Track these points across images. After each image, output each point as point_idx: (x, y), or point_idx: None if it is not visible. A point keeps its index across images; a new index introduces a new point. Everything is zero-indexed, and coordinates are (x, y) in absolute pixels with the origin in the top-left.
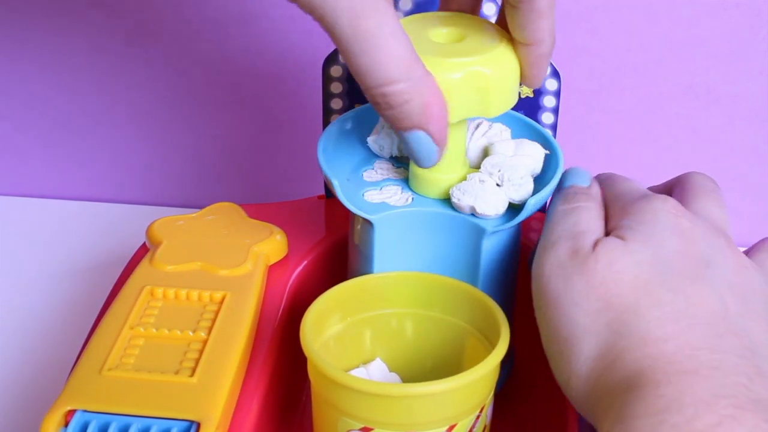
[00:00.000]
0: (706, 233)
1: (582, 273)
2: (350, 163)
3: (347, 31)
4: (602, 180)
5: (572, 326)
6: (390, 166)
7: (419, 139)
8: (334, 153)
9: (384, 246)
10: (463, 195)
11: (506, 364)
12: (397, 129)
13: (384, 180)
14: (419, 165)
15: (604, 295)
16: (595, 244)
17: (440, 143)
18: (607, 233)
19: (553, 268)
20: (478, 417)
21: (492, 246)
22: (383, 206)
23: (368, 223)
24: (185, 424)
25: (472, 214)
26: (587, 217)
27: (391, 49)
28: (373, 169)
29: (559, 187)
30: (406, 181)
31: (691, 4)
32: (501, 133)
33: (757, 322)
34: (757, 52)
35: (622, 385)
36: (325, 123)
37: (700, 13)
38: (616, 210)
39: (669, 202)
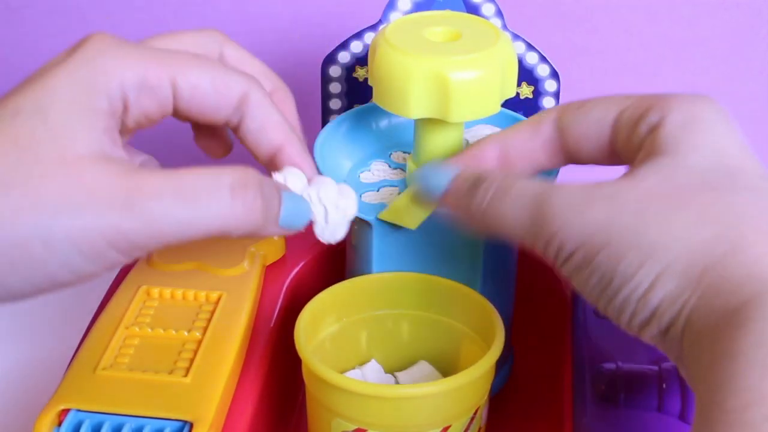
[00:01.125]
0: None
1: (628, 191)
2: (347, 164)
3: None
4: (575, 104)
5: (639, 239)
6: (386, 167)
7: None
8: (331, 154)
9: (383, 247)
10: None
11: (505, 365)
12: None
13: (381, 181)
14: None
15: (670, 199)
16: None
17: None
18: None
19: (572, 207)
20: (472, 418)
21: (492, 245)
22: (381, 207)
23: (366, 224)
24: (178, 424)
25: None
26: (521, 174)
27: None
28: (369, 170)
29: (431, 194)
30: (403, 182)
31: (691, 4)
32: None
33: None
34: (757, 52)
35: (745, 294)
36: (324, 123)
37: (700, 13)
38: (640, 109)
39: (720, 104)
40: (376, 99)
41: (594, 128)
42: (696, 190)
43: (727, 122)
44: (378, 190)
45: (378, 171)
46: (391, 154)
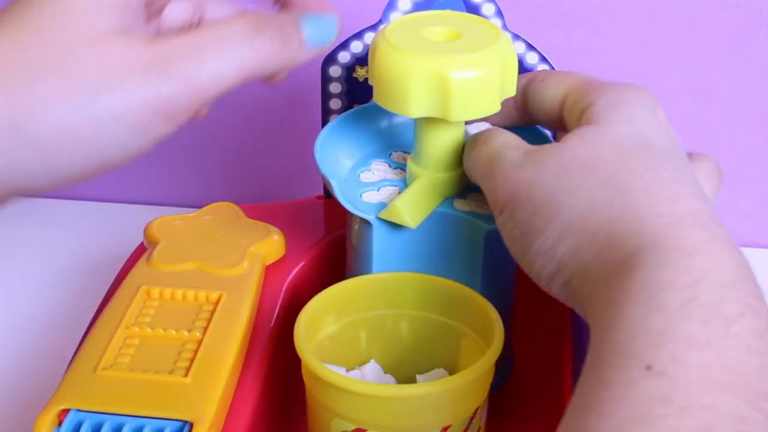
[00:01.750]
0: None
1: (553, 157)
2: (347, 163)
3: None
4: (541, 76)
5: (551, 199)
6: (386, 167)
7: None
8: (331, 153)
9: (383, 246)
10: None
11: (505, 364)
12: None
13: (381, 181)
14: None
15: (584, 164)
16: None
17: None
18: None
19: (514, 166)
20: (472, 418)
21: (491, 244)
22: (382, 206)
23: (367, 224)
24: (178, 424)
25: (473, 213)
26: (507, 134)
27: None
28: (369, 170)
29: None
30: (403, 181)
31: (691, 4)
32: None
33: None
34: (757, 52)
35: (632, 247)
36: (324, 123)
37: (700, 13)
38: (580, 94)
39: (649, 92)
40: (377, 98)
41: (548, 102)
42: (606, 157)
43: (649, 105)
44: (378, 190)
45: (378, 171)
46: (391, 153)
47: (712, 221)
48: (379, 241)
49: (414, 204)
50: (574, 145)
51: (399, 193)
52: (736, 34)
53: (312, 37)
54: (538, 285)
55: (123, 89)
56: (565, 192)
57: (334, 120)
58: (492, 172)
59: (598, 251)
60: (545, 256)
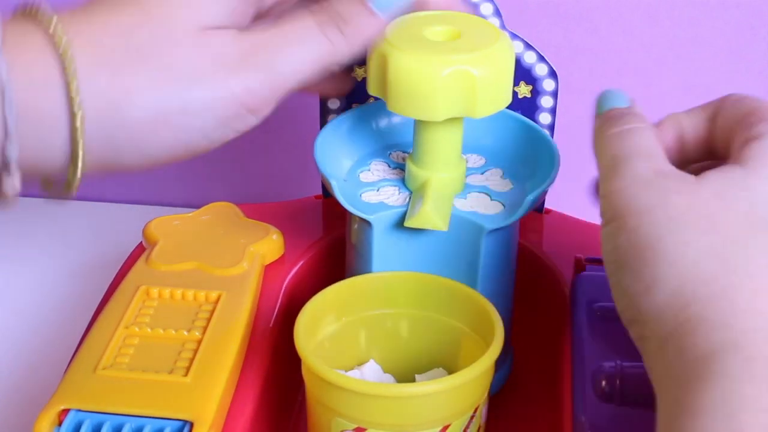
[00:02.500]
0: None
1: (681, 192)
2: (346, 163)
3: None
4: (721, 106)
5: (658, 241)
6: (386, 167)
7: None
8: (331, 153)
9: (382, 246)
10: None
11: (504, 364)
12: None
13: (380, 180)
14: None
15: (708, 218)
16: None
17: None
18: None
19: (637, 182)
20: (472, 417)
21: (491, 244)
22: (381, 206)
23: (366, 223)
24: (178, 423)
25: (473, 213)
26: (648, 136)
27: None
28: (369, 170)
29: (597, 113)
30: (402, 181)
31: (691, 4)
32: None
33: None
34: (757, 52)
35: (716, 342)
36: (323, 123)
37: (700, 13)
38: (756, 118)
39: None
40: (395, 107)
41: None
42: (734, 219)
43: None
44: (378, 190)
45: (377, 171)
46: (390, 153)
47: None
48: (379, 241)
49: (439, 207)
50: (708, 189)
51: (399, 192)
52: (736, 34)
53: (378, 2)
54: (622, 319)
55: (215, 81)
56: (674, 241)
57: (333, 120)
58: (614, 174)
59: (680, 328)
60: (633, 297)
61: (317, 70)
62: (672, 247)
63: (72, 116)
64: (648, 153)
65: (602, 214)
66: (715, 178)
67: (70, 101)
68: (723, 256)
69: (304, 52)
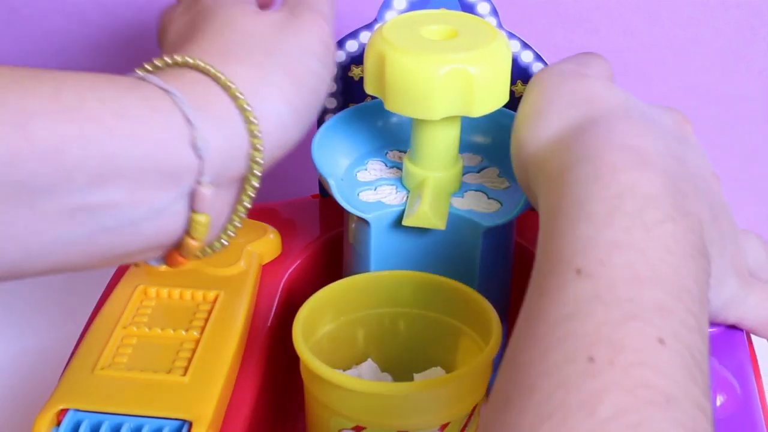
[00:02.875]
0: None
1: (579, 79)
2: (344, 162)
3: None
4: None
5: (551, 99)
6: (383, 166)
7: None
8: (328, 152)
9: (381, 245)
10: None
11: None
12: None
13: (378, 180)
14: None
15: (589, 94)
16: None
17: None
18: None
19: (552, 74)
20: (470, 416)
21: (488, 242)
22: (379, 205)
23: (364, 222)
24: (177, 423)
25: (470, 211)
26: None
27: None
28: (366, 169)
29: None
30: (399, 180)
31: (691, 4)
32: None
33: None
34: (757, 52)
35: (577, 155)
36: (320, 122)
37: (700, 13)
38: None
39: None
40: (393, 107)
41: None
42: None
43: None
44: (375, 189)
45: (374, 170)
46: (387, 153)
47: (658, 163)
48: (377, 240)
49: (437, 205)
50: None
51: (396, 191)
52: (736, 34)
53: None
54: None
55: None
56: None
57: (330, 119)
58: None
59: (562, 146)
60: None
61: None
62: (550, 110)
63: (252, 142)
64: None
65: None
66: (605, 81)
67: (249, 131)
68: (590, 114)
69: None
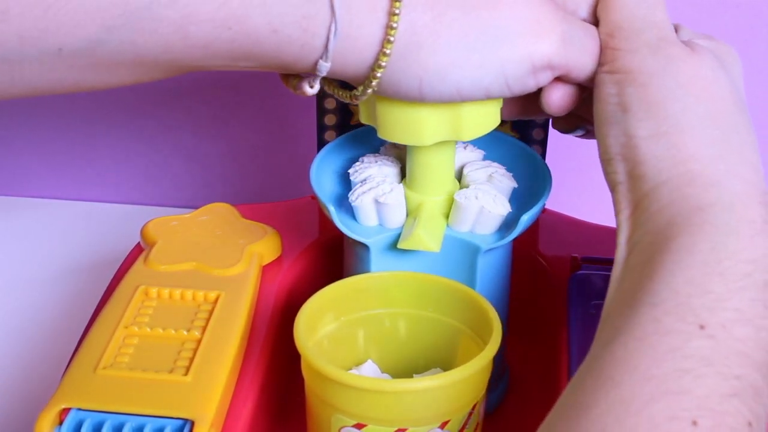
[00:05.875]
0: None
1: (686, 60)
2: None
3: None
4: None
5: (670, 99)
6: (374, 158)
7: None
8: (326, 179)
9: (381, 267)
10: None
11: (500, 383)
12: None
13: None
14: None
15: (704, 90)
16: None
17: None
18: None
19: (641, 45)
20: (470, 414)
21: (487, 263)
22: (379, 230)
23: (364, 246)
24: (179, 422)
25: (469, 234)
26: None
27: None
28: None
29: None
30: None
31: (690, 4)
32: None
33: None
34: (757, 52)
35: (712, 197)
36: (319, 122)
37: (699, 13)
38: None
39: None
40: (385, 134)
41: None
42: (722, 92)
43: None
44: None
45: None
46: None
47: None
48: (377, 262)
49: (431, 229)
50: (706, 61)
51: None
52: (736, 34)
53: None
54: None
55: (523, 41)
56: (679, 105)
57: (327, 145)
58: (620, 34)
59: (677, 178)
60: (630, 139)
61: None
62: (677, 109)
63: (383, 44)
64: (654, 22)
65: (603, 62)
66: (707, 52)
67: (386, 32)
68: (718, 124)
69: (594, 47)
